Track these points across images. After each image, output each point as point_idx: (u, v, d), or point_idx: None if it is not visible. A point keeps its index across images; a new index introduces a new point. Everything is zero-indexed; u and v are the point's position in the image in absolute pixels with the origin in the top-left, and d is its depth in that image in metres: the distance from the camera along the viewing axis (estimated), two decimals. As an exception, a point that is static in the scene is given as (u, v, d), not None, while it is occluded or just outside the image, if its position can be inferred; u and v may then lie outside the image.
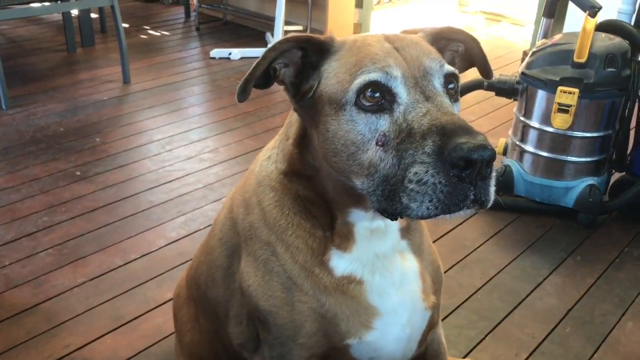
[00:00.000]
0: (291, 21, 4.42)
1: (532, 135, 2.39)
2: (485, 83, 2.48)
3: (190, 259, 2.08)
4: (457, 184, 0.74)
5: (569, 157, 2.33)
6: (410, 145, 0.77)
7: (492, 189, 0.78)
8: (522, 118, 2.41)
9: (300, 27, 4.45)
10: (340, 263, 0.98)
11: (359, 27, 4.70)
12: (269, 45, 0.89)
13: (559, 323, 1.87)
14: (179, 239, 2.21)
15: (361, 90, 0.82)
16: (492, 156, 0.74)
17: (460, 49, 1.02)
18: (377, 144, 0.80)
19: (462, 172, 0.73)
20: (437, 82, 0.85)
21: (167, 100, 3.45)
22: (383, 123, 0.81)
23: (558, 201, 2.39)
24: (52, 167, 2.66)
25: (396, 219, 0.84)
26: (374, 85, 0.82)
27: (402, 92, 0.82)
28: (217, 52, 4.15)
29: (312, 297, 0.99)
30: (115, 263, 2.07)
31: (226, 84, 3.73)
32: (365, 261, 0.99)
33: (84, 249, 2.14)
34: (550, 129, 2.32)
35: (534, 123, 2.36)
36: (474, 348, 1.76)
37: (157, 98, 3.47)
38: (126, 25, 4.72)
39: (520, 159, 2.46)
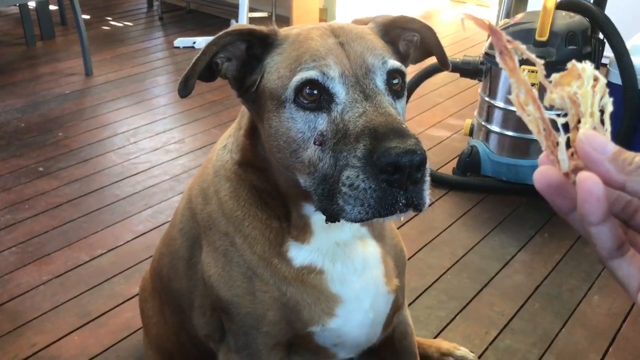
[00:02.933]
0: (255, 8, 4.37)
1: (497, 115, 2.41)
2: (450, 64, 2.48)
3: (158, 252, 2.06)
4: (386, 189, 0.73)
5: (534, 136, 2.35)
6: (344, 146, 0.76)
7: (426, 192, 0.77)
8: (487, 98, 2.43)
9: (264, 14, 4.41)
10: (299, 254, 0.97)
11: (324, 12, 4.67)
12: (210, 39, 0.86)
13: (527, 299, 1.89)
14: (146, 232, 2.18)
15: (299, 88, 0.81)
16: (422, 160, 0.73)
17: (416, 39, 1.00)
18: (314, 143, 0.80)
19: (391, 176, 0.72)
20: (379, 80, 0.84)
21: (130, 91, 3.39)
22: (321, 122, 0.80)
23: (525, 180, 2.41)
24: (14, 164, 2.60)
25: (335, 221, 0.83)
26: (310, 83, 0.80)
27: (340, 92, 0.80)
28: (181, 42, 4.08)
29: (273, 287, 0.98)
30: (81, 259, 2.03)
31: (191, 73, 3.67)
32: (325, 251, 0.98)
33: (48, 246, 2.09)
34: (514, 109, 2.33)
35: (499, 103, 2.38)
36: (444, 328, 1.77)
37: (120, 90, 3.40)
38: (87, 17, 4.62)
39: (487, 139, 2.48)
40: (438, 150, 2.80)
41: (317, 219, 0.95)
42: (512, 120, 2.37)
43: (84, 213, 2.28)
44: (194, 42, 4.05)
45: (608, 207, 0.43)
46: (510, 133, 2.39)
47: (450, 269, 2.02)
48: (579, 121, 0.48)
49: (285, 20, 4.40)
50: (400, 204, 0.74)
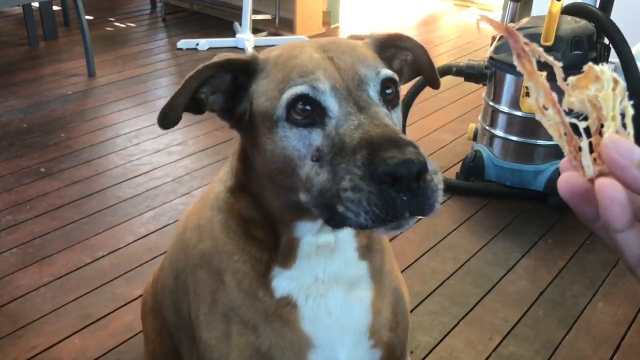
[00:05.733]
0: (259, 10, 4.37)
1: (502, 119, 2.39)
2: (454, 68, 2.47)
3: (161, 254, 2.05)
4: (388, 196, 0.70)
5: (538, 141, 2.34)
6: (342, 159, 0.74)
7: (431, 199, 0.73)
8: (491, 103, 2.41)
9: (268, 16, 4.41)
10: (281, 282, 0.92)
11: (328, 15, 4.67)
12: (189, 74, 0.83)
13: (531, 306, 1.88)
14: (147, 234, 2.17)
15: (290, 105, 0.79)
16: (422, 169, 0.70)
17: (409, 58, 0.97)
18: (311, 159, 0.77)
19: (391, 187, 0.70)
20: (373, 91, 0.81)
21: (133, 93, 3.38)
22: (316, 137, 0.78)
23: (528, 185, 2.40)
24: (16, 165, 2.59)
25: (342, 227, 0.78)
26: (302, 99, 0.78)
27: (332, 105, 0.78)
28: (184, 43, 4.08)
29: (250, 329, 0.94)
30: (82, 261, 2.02)
31: (194, 75, 3.66)
32: (302, 281, 0.92)
33: (49, 247, 2.08)
34: (519, 113, 2.33)
35: (503, 107, 2.37)
36: (447, 334, 1.76)
37: (123, 91, 3.40)
38: (90, 17, 4.61)
39: (490, 143, 2.47)
40: (441, 154, 2.79)
41: (305, 242, 0.91)
42: (516, 125, 2.36)
43: (85, 214, 2.27)
44: (197, 44, 4.05)
45: (633, 213, 0.42)
46: (514, 138, 2.37)
47: (454, 275, 2.00)
48: (600, 125, 0.46)
49: (289, 23, 4.39)
50: (404, 213, 0.71)
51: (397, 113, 0.86)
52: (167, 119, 0.83)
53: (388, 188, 0.70)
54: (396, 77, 0.85)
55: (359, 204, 0.71)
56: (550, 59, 0.49)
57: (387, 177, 0.69)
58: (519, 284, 1.97)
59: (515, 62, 0.49)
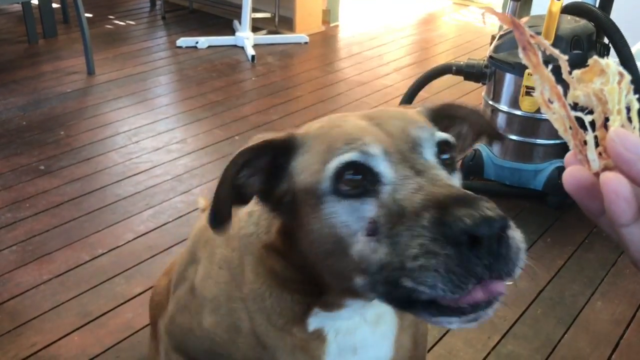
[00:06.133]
0: (259, 8, 4.37)
1: (501, 118, 2.40)
2: (454, 67, 2.47)
3: (161, 252, 2.06)
4: (467, 260, 0.60)
5: (537, 140, 2.34)
6: (402, 227, 0.64)
7: (514, 262, 0.64)
8: (490, 102, 2.42)
9: (268, 15, 4.41)
10: (318, 319, 0.87)
11: (327, 14, 4.66)
12: (227, 164, 0.76)
13: (530, 305, 1.88)
14: (147, 232, 2.17)
15: (338, 175, 0.70)
16: (503, 227, 0.61)
17: (464, 131, 0.91)
18: (367, 234, 0.68)
19: (470, 250, 0.60)
20: (429, 153, 0.73)
21: (133, 91, 3.38)
22: (369, 208, 0.69)
23: (527, 184, 2.40)
24: (15, 162, 2.59)
25: (405, 308, 0.68)
26: (351, 167, 0.70)
27: (385, 171, 0.70)
28: (183, 41, 4.08)
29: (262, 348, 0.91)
30: (82, 258, 2.02)
31: (193, 73, 3.67)
32: (337, 319, 0.88)
33: (49, 245, 2.08)
34: (518, 112, 2.33)
35: (503, 107, 2.37)
36: (446, 332, 1.76)
37: (122, 89, 3.39)
38: (90, 15, 4.61)
39: (490, 143, 2.47)
40: (441, 153, 2.79)
41: (355, 302, 0.84)
42: (515, 123, 2.36)
43: (84, 212, 2.27)
44: (197, 42, 4.05)
45: (638, 207, 0.42)
46: (513, 137, 2.38)
47: (453, 273, 2.00)
48: (606, 119, 0.46)
49: (288, 21, 4.39)
50: (486, 277, 0.61)
51: (457, 179, 0.77)
52: (218, 217, 0.76)
53: (467, 251, 0.60)
54: (453, 140, 0.78)
55: (434, 271, 0.60)
56: (556, 52, 0.49)
57: (463, 236, 0.59)
58: (518, 283, 1.98)
59: (521, 55, 0.49)
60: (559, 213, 2.35)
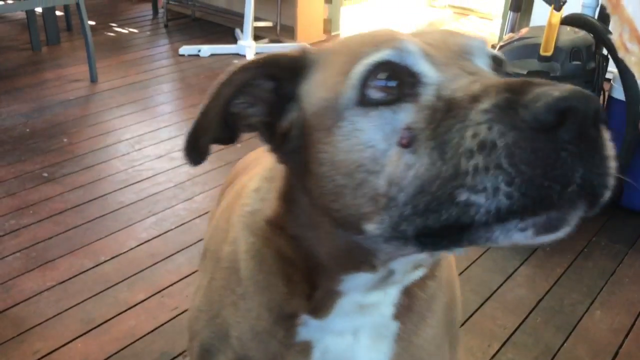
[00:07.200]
0: (260, 17, 4.39)
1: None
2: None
3: (163, 259, 2.07)
4: (550, 148, 0.44)
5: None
6: (453, 119, 0.49)
7: (609, 166, 0.47)
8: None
9: (269, 23, 4.43)
10: (306, 329, 0.76)
11: (329, 23, 4.69)
12: (219, 79, 0.62)
13: (529, 313, 1.90)
14: (150, 240, 2.18)
15: (364, 80, 0.55)
16: (598, 113, 0.45)
17: None
18: (401, 144, 0.52)
19: (556, 135, 0.43)
20: (482, 63, 0.59)
21: (135, 98, 3.41)
22: (405, 115, 0.53)
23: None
24: (19, 169, 2.60)
25: (454, 243, 0.52)
26: (382, 68, 0.55)
27: (428, 70, 0.55)
28: (186, 49, 4.10)
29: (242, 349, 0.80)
30: (85, 265, 2.04)
31: (196, 81, 3.69)
32: (326, 331, 0.76)
33: (52, 251, 2.10)
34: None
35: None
36: (447, 341, 1.77)
37: (125, 97, 3.42)
38: (93, 23, 4.63)
39: (490, 152, 2.49)
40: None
41: (347, 301, 0.72)
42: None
43: (87, 219, 2.28)
44: (199, 50, 4.07)
45: None
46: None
47: (453, 282, 2.02)
48: None
49: (290, 30, 4.42)
50: (573, 184, 0.44)
51: None
52: (196, 149, 0.64)
53: (551, 137, 0.44)
54: (505, 59, 0.64)
55: (495, 174, 0.44)
56: None
57: (550, 114, 0.43)
58: (518, 292, 1.99)
59: None
60: (559, 222, 2.36)
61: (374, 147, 0.54)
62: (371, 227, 0.56)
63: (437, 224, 0.50)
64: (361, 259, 0.64)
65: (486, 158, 0.45)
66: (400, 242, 0.55)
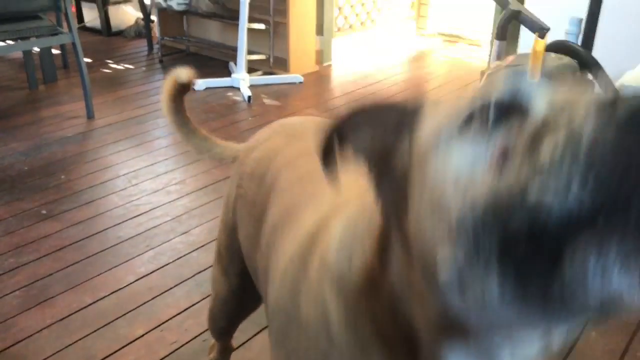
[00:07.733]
0: (254, 50, 4.47)
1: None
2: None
3: (162, 293, 2.09)
4: None
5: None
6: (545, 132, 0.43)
7: None
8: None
9: (262, 56, 4.51)
10: None
11: (320, 54, 4.78)
12: (329, 124, 0.61)
13: (526, 337, 1.91)
14: (148, 274, 2.20)
15: (477, 113, 0.50)
16: None
17: None
18: (494, 165, 0.45)
19: None
20: None
21: (132, 134, 3.45)
22: (499, 137, 0.47)
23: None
24: (17, 207, 2.63)
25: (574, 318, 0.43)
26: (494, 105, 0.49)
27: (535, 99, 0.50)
28: (181, 84, 4.16)
29: None
30: (84, 302, 2.05)
31: (191, 114, 3.69)
32: None
33: (52, 289, 2.11)
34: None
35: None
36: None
37: (122, 132, 3.46)
38: (89, 60, 4.71)
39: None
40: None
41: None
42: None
43: (86, 255, 2.31)
44: (194, 84, 4.13)
45: None
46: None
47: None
48: None
49: (283, 62, 4.50)
50: None
51: None
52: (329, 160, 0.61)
53: None
54: None
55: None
56: None
57: None
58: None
59: None
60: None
61: (465, 167, 0.47)
62: (444, 275, 0.47)
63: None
64: (456, 327, 0.53)
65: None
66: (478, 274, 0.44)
